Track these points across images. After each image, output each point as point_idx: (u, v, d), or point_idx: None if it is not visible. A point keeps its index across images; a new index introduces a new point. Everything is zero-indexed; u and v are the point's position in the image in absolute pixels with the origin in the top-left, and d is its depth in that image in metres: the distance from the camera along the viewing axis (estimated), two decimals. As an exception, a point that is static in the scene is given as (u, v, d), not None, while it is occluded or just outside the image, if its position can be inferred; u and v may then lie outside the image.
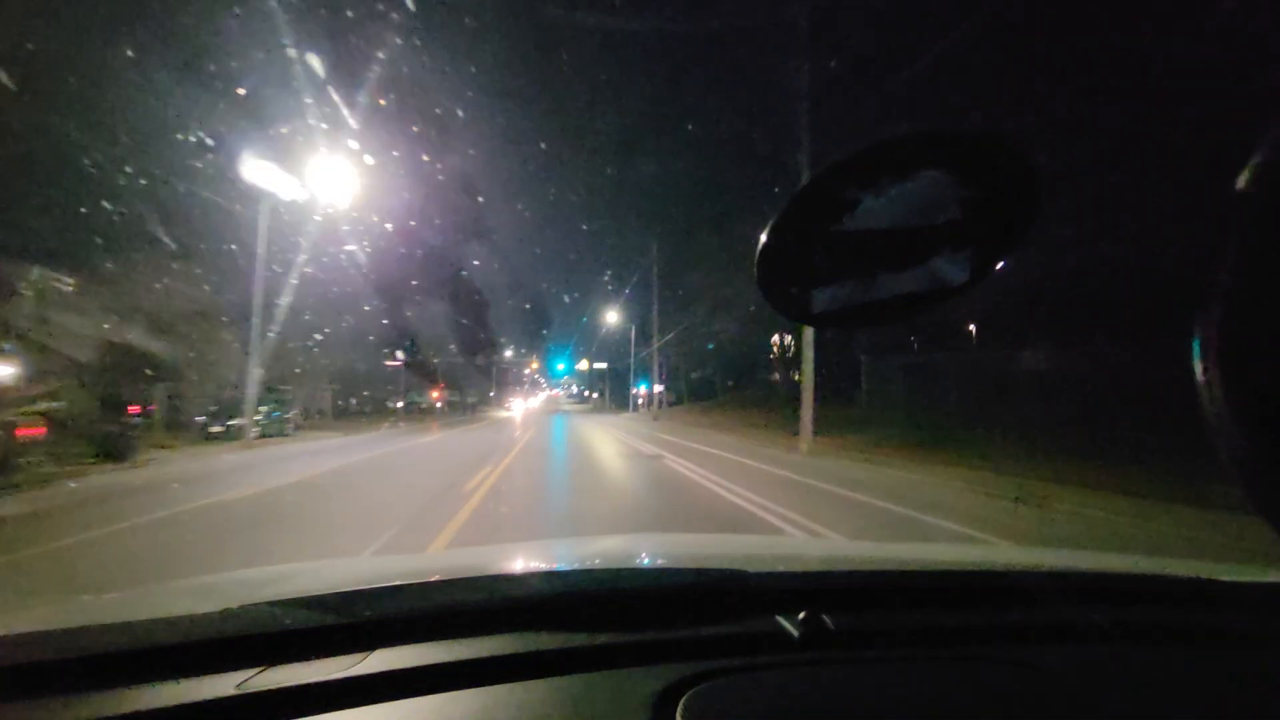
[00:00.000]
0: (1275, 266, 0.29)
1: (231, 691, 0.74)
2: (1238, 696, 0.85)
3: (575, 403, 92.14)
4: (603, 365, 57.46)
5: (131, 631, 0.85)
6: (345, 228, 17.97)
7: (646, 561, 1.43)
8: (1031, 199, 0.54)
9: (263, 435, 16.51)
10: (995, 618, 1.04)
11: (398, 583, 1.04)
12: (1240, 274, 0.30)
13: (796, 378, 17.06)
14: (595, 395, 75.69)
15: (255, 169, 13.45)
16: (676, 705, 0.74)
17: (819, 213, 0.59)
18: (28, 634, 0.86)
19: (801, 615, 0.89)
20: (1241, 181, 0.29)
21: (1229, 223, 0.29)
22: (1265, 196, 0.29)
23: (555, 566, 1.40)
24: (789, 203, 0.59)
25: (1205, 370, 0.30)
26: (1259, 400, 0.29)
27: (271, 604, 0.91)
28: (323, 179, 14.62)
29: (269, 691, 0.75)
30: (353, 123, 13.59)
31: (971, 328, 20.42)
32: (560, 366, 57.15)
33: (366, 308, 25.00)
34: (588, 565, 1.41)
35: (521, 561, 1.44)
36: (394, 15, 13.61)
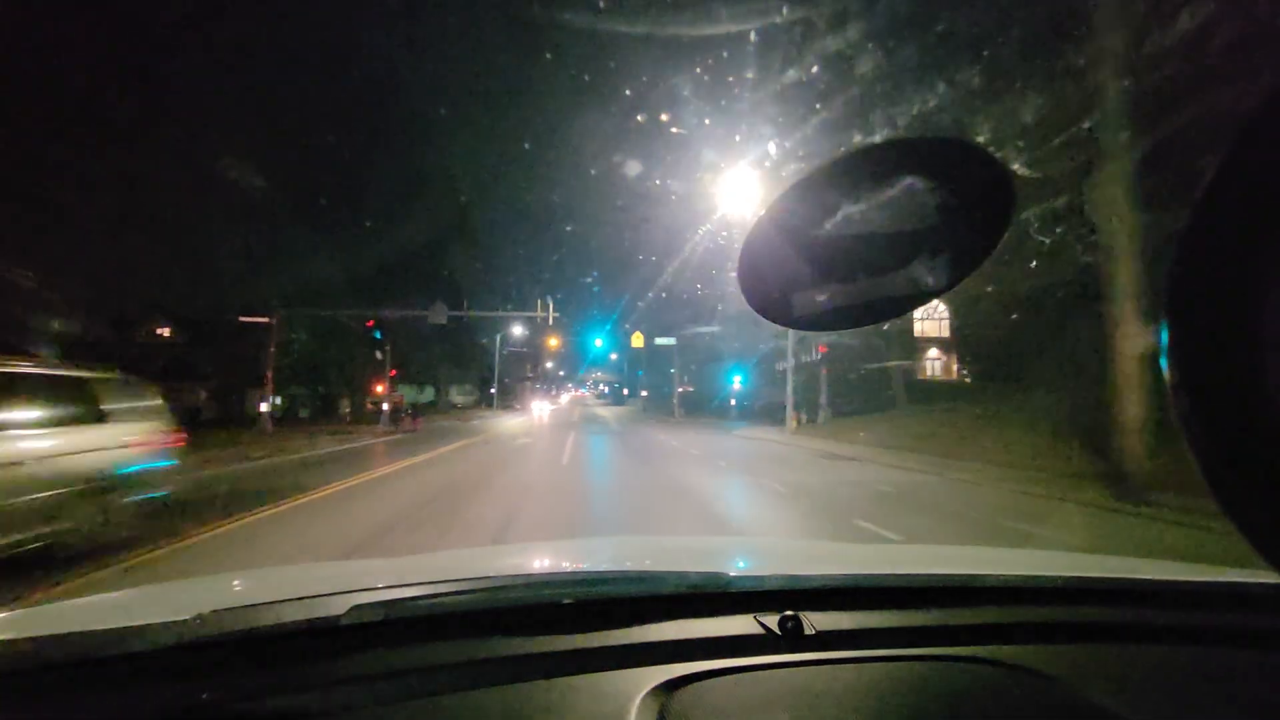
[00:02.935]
0: (1226, 267, 0.29)
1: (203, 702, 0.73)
2: (1221, 694, 0.84)
3: (609, 404, 70.15)
4: (669, 340, 34.69)
5: (99, 640, 0.82)
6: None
7: (630, 564, 1.43)
8: (1004, 204, 0.56)
9: None
10: (975, 618, 1.03)
11: (381, 585, 1.00)
12: (1195, 272, 0.30)
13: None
14: (644, 394, 53.21)
15: None
16: (660, 707, 0.74)
17: (800, 218, 0.60)
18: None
19: (781, 616, 0.90)
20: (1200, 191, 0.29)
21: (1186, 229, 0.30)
22: (1218, 206, 0.29)
23: (540, 570, 1.41)
24: (770, 208, 0.61)
25: (1171, 372, 0.31)
26: (1222, 403, 0.29)
27: (248, 607, 0.87)
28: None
29: (248, 702, 0.74)
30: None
31: None
32: (598, 343, 34.46)
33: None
34: (572, 569, 1.42)
35: (505, 564, 1.48)
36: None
